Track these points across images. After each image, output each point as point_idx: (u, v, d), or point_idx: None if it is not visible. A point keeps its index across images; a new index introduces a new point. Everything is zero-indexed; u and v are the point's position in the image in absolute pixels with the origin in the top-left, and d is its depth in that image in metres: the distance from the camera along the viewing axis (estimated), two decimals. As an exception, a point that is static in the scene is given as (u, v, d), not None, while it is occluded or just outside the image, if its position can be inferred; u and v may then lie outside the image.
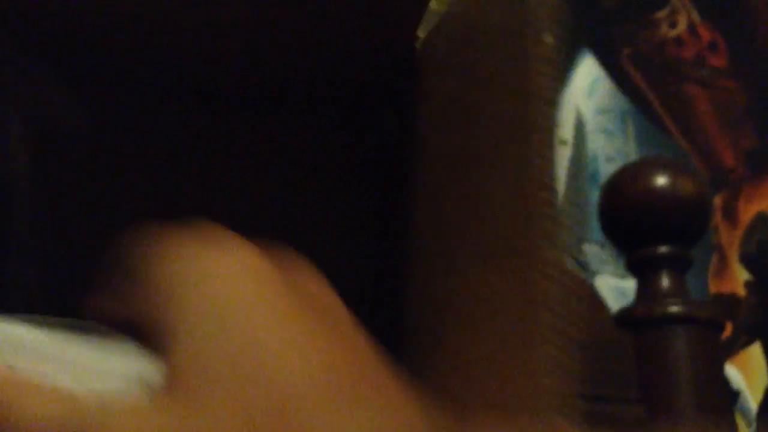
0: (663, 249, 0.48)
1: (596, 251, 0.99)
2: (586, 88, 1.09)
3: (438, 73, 0.40)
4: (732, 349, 1.01)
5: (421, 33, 0.42)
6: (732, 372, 0.99)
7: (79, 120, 0.38)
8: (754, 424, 0.95)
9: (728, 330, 0.96)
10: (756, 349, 1.03)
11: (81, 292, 0.26)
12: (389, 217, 0.45)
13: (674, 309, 0.46)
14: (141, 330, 0.22)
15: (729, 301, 1.04)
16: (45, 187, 0.38)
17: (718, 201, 1.09)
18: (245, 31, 0.42)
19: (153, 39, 0.42)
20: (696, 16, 1.18)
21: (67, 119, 0.38)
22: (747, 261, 1.07)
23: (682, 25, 1.17)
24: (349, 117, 0.47)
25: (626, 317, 0.48)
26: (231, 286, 0.21)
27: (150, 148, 0.45)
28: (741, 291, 1.05)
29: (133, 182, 0.44)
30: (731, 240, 1.08)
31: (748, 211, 1.10)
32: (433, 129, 0.40)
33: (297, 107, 0.47)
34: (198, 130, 0.46)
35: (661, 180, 0.48)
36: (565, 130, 1.05)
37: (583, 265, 0.98)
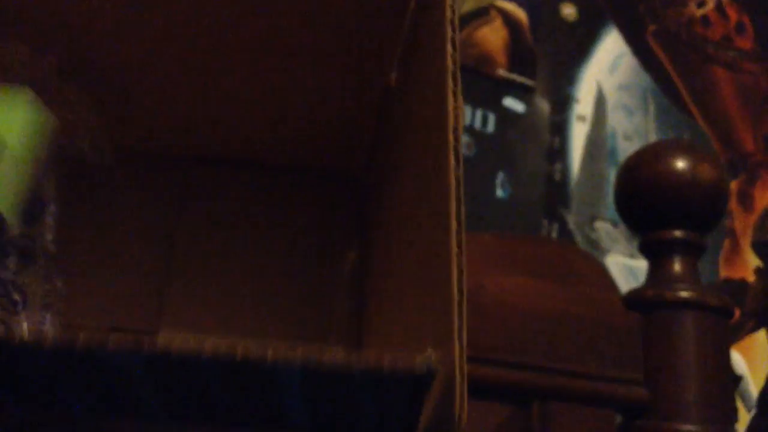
0: (677, 233, 0.47)
1: (608, 229, 0.99)
2: (609, 64, 1.08)
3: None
4: (738, 334, 1.01)
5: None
6: (735, 357, 0.99)
7: (105, 152, 0.41)
8: (755, 410, 0.96)
9: (736, 315, 0.96)
10: (761, 335, 1.04)
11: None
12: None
13: (685, 294, 0.46)
14: None
15: (738, 287, 1.04)
16: (70, 209, 0.42)
17: (734, 185, 1.08)
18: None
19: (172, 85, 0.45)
20: (725, -4, 1.16)
21: (94, 151, 0.41)
22: (758, 247, 1.06)
23: (710, 5, 1.15)
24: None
25: (636, 299, 0.48)
26: None
27: (160, 185, 0.49)
28: (751, 277, 1.05)
29: (145, 213, 0.48)
30: (745, 226, 1.07)
31: (763, 198, 1.09)
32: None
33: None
34: (205, 181, 0.50)
35: (680, 164, 0.47)
36: (585, 105, 1.04)
37: (595, 243, 0.98)
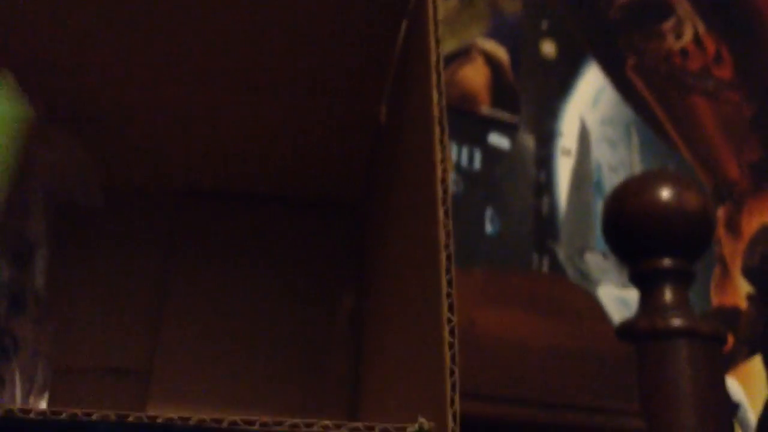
0: (666, 262, 0.48)
1: (598, 261, 0.99)
2: (591, 98, 1.10)
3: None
4: (733, 361, 1.01)
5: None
6: (732, 384, 0.99)
7: (94, 194, 0.42)
8: (754, 437, 0.95)
9: (730, 342, 0.96)
10: (757, 361, 1.03)
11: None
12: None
13: (677, 323, 0.46)
14: None
15: (731, 314, 1.04)
16: (61, 252, 0.42)
17: (721, 213, 1.09)
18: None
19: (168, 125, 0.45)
20: (702, 27, 1.18)
21: (84, 192, 0.42)
22: (749, 274, 1.07)
23: (687, 36, 1.17)
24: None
25: (628, 330, 0.48)
26: None
27: (152, 222, 0.49)
28: (743, 303, 1.05)
29: (137, 252, 0.48)
30: (734, 252, 1.08)
31: (751, 224, 1.10)
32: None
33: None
34: (197, 217, 0.50)
35: (666, 193, 0.48)
36: (569, 139, 1.05)
37: (585, 275, 0.98)
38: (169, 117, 0.45)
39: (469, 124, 0.98)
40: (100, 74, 0.42)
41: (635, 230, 0.49)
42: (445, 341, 0.25)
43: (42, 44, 0.39)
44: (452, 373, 0.24)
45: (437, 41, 0.30)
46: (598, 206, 1.02)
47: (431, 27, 0.29)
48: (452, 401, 0.24)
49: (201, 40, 0.40)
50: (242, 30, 0.39)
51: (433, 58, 0.29)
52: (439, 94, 0.28)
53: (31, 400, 0.38)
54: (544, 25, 1.09)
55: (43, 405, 0.41)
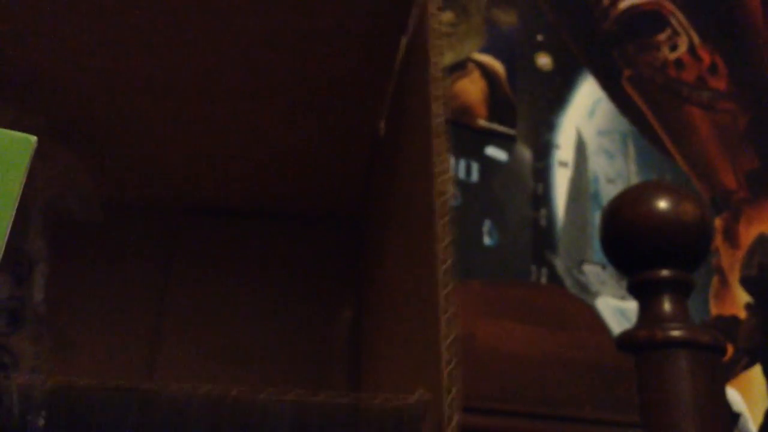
0: (665, 273, 0.48)
1: (597, 272, 0.99)
2: (587, 110, 1.10)
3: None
4: (733, 371, 1.01)
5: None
6: (732, 394, 0.98)
7: (93, 209, 0.42)
8: (755, 447, 0.95)
9: (729, 352, 0.96)
10: (756, 371, 1.03)
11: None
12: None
13: (676, 333, 0.46)
14: None
15: (730, 323, 1.04)
16: (60, 268, 0.42)
17: (718, 223, 1.09)
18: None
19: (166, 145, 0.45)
20: (696, 39, 1.19)
21: (82, 208, 0.42)
22: (748, 283, 1.07)
23: (682, 48, 1.18)
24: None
25: (628, 340, 0.48)
26: None
27: (150, 237, 0.49)
28: (742, 313, 1.05)
29: (136, 268, 0.48)
30: (732, 262, 1.08)
31: (748, 233, 1.10)
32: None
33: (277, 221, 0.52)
34: (196, 232, 0.50)
35: (663, 204, 0.48)
36: (566, 151, 1.06)
37: (584, 286, 0.98)
38: (167, 133, 0.45)
39: (466, 137, 0.98)
40: (98, 90, 0.42)
41: (633, 241, 0.49)
42: (445, 346, 0.25)
43: (40, 60, 0.40)
44: (449, 353, 0.24)
45: (440, 56, 0.30)
46: (596, 217, 1.03)
47: (433, 42, 0.30)
48: (449, 379, 0.24)
49: (200, 57, 0.40)
50: (241, 46, 0.39)
51: (437, 75, 0.29)
52: (442, 106, 0.28)
53: (29, 418, 0.38)
54: (540, 37, 1.10)
55: (40, 423, 0.40)
